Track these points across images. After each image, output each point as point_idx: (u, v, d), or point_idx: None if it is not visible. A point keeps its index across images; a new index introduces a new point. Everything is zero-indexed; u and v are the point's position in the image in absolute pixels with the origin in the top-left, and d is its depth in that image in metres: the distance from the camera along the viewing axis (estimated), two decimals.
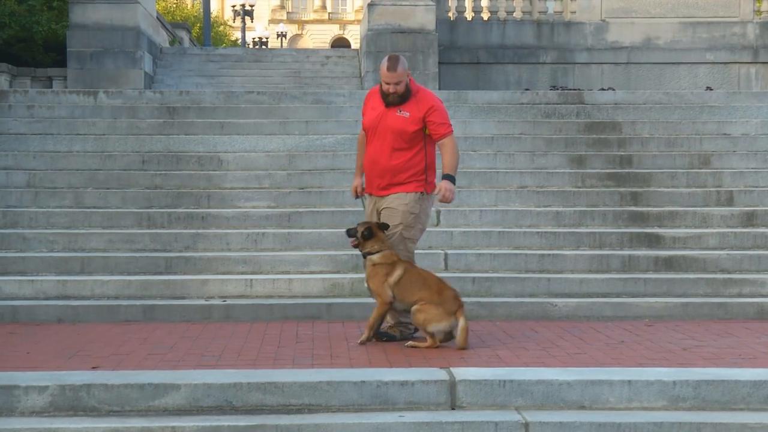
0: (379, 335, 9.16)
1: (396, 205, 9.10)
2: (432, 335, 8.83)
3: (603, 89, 18.80)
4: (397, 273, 8.96)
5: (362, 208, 9.82)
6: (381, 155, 9.07)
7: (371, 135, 9.14)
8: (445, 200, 9.15)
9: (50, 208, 12.90)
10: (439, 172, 9.27)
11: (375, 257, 8.97)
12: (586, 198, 13.27)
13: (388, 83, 8.92)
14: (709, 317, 10.89)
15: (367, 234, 8.96)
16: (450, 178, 9.14)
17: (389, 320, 9.23)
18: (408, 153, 9.10)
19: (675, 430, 6.97)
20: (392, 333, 9.18)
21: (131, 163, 13.89)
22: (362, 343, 8.98)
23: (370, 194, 9.29)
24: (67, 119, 15.03)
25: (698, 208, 13.04)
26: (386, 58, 9.00)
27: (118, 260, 11.70)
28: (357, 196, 9.53)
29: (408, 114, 9.03)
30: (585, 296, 11.24)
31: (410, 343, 8.97)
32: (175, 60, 23.60)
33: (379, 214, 9.20)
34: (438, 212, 12.62)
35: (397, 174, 9.09)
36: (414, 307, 8.87)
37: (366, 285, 9.15)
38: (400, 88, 8.96)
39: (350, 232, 9.15)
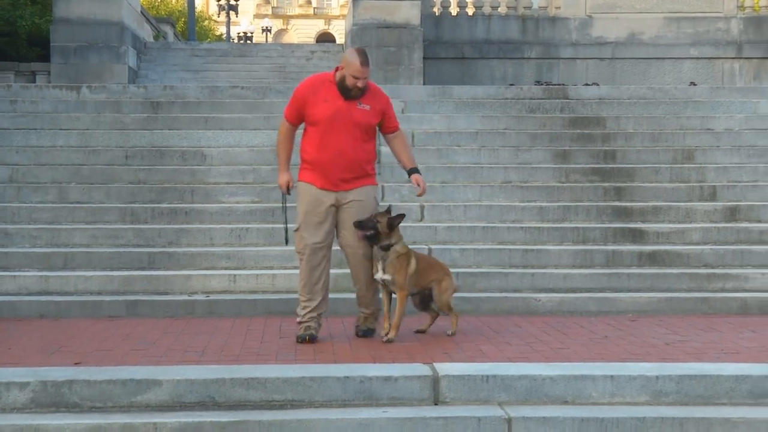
0: (364, 333, 9.14)
1: (365, 197, 9.04)
2: (453, 310, 9.35)
3: (587, 84, 18.82)
4: (413, 262, 9.03)
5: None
6: (349, 148, 8.90)
7: (329, 128, 8.88)
8: (424, 194, 9.27)
9: (33, 203, 12.87)
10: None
11: (398, 248, 8.93)
12: (570, 193, 13.29)
13: (357, 78, 8.78)
14: (693, 312, 10.91)
15: (393, 224, 8.93)
16: (418, 171, 9.27)
17: (365, 311, 9.20)
18: (370, 145, 9.10)
19: (658, 425, 6.98)
20: (372, 327, 9.20)
21: (115, 158, 13.86)
22: (391, 341, 8.89)
23: (324, 189, 8.96)
24: (50, 114, 14.99)
25: (682, 203, 13.06)
26: (356, 53, 8.83)
27: (101, 256, 11.67)
28: (289, 192, 9.24)
29: (369, 107, 8.98)
30: (569, 291, 11.26)
31: (450, 331, 9.29)
32: (160, 55, 23.54)
33: (338, 208, 9.00)
34: (422, 207, 12.63)
35: (363, 167, 9.04)
36: (435, 291, 9.17)
37: (383, 278, 8.92)
38: (366, 82, 8.93)
39: (365, 225, 8.86)
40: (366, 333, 9.18)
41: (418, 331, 9.34)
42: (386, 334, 8.95)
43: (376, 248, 8.94)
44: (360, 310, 9.30)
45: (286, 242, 9.59)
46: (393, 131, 9.26)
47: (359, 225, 8.89)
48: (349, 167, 8.94)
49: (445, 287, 9.21)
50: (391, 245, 8.90)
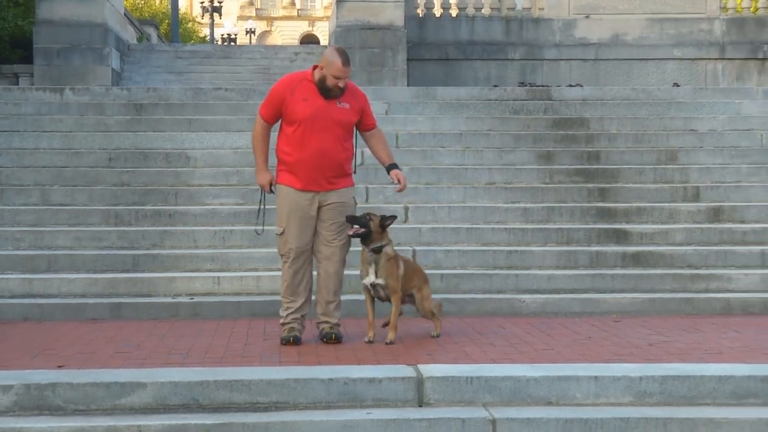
0: (337, 336, 9.05)
1: (347, 198, 9.05)
2: (436, 314, 9.31)
3: (571, 85, 18.83)
4: (402, 265, 9.03)
5: None
6: (332, 148, 8.88)
7: (310, 127, 8.82)
8: (404, 189, 9.26)
9: (16, 205, 12.83)
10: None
11: (389, 251, 8.93)
12: (554, 194, 13.30)
13: (339, 77, 8.77)
14: (676, 313, 10.94)
15: (385, 225, 8.93)
16: (397, 167, 9.25)
17: (332, 320, 9.08)
18: (349, 143, 9.10)
19: (642, 426, 6.99)
20: (339, 333, 9.11)
21: (98, 161, 13.82)
22: (392, 342, 8.89)
23: (305, 190, 8.92)
24: (33, 116, 14.94)
25: (665, 204, 13.09)
26: (337, 52, 8.81)
27: (85, 258, 11.64)
28: (271, 190, 9.17)
29: (348, 105, 8.97)
30: (553, 292, 11.27)
31: (434, 333, 9.30)
32: (143, 56, 23.49)
33: (319, 209, 8.96)
34: (406, 208, 12.63)
35: (343, 165, 9.04)
36: (417, 298, 9.14)
37: (376, 282, 8.91)
38: (346, 82, 8.93)
39: (358, 221, 8.82)
40: (339, 337, 9.04)
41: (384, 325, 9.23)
42: (385, 337, 8.95)
43: (367, 252, 8.92)
44: (324, 320, 9.12)
45: (261, 230, 9.59)
46: (371, 129, 9.26)
47: (352, 220, 8.86)
48: (331, 166, 8.93)
49: (426, 294, 9.22)
50: (383, 247, 8.89)
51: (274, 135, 9.18)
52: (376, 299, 9.05)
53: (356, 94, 9.12)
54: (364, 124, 9.19)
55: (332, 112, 8.88)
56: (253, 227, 12.05)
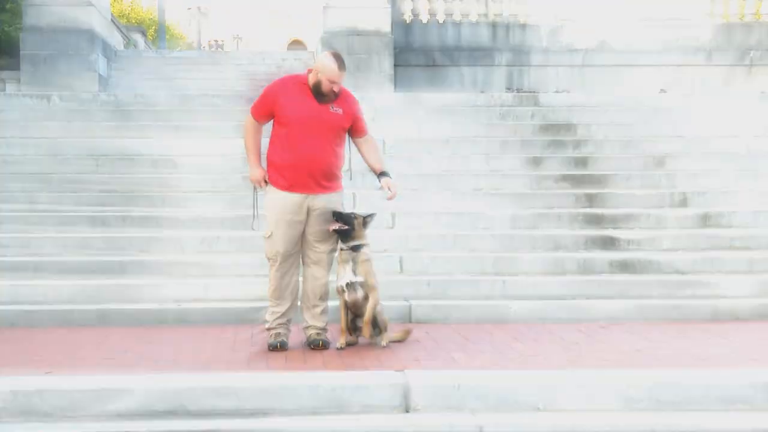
0: (324, 342, 9.06)
1: (336, 204, 9.02)
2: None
3: (558, 91, 18.87)
4: (374, 267, 9.02)
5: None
6: (323, 152, 8.87)
7: (303, 130, 8.80)
8: (394, 197, 9.21)
9: (3, 212, 12.78)
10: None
11: (367, 251, 8.93)
12: (542, 200, 13.30)
13: (334, 82, 8.76)
14: (664, 319, 10.91)
15: (367, 223, 8.94)
16: (389, 174, 9.22)
17: (319, 325, 9.06)
18: (341, 149, 9.08)
19: None
20: (326, 338, 9.07)
21: (85, 167, 13.80)
22: (372, 338, 8.92)
23: (295, 193, 8.87)
24: (20, 122, 14.93)
25: (653, 210, 13.10)
26: (333, 57, 8.79)
27: (72, 264, 11.60)
28: (265, 184, 9.08)
29: (341, 111, 8.95)
30: (540, 299, 11.23)
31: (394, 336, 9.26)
32: (130, 62, 23.49)
33: (308, 213, 8.91)
34: (393, 215, 12.61)
35: (334, 171, 9.03)
36: (378, 308, 9.00)
37: (354, 280, 8.88)
38: (340, 87, 8.92)
39: (344, 218, 8.83)
40: (326, 343, 9.00)
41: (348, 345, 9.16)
42: (374, 337, 8.95)
43: (345, 252, 8.91)
44: (312, 326, 9.09)
45: (257, 226, 9.61)
46: (363, 135, 9.23)
47: (339, 216, 8.84)
48: (322, 171, 8.90)
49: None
50: (362, 246, 8.89)
51: (265, 141, 9.16)
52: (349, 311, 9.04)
53: (349, 99, 9.09)
54: (355, 130, 9.16)
55: (325, 116, 8.86)
56: (240, 233, 12.10)
